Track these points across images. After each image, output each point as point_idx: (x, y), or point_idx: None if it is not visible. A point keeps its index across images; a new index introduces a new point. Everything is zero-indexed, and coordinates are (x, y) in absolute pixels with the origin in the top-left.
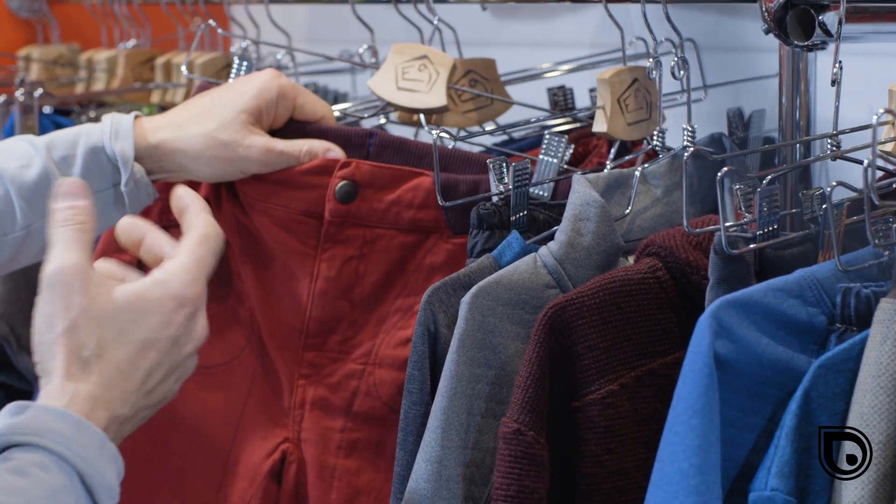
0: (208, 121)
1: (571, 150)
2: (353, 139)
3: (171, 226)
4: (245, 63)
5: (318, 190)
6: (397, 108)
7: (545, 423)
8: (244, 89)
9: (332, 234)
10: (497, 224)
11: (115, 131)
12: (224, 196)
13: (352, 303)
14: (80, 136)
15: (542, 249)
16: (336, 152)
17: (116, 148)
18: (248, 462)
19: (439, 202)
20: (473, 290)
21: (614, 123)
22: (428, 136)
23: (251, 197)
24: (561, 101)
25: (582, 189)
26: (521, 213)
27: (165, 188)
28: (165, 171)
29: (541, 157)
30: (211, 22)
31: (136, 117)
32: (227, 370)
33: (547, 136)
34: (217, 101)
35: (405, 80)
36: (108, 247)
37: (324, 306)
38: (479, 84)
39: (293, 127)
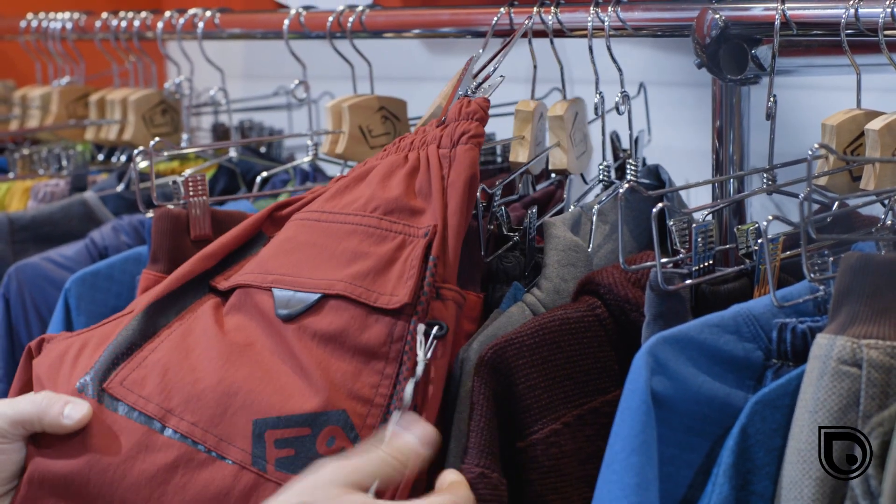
0: None
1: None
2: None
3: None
4: None
5: None
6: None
7: (499, 463)
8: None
9: None
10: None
11: None
12: None
13: None
14: None
15: (529, 298)
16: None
17: None
18: None
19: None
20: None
21: (570, 158)
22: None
23: None
24: None
25: (563, 234)
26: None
27: None
28: None
29: None
30: None
31: None
32: None
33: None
34: None
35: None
36: None
37: None
38: (388, 121)
39: None
